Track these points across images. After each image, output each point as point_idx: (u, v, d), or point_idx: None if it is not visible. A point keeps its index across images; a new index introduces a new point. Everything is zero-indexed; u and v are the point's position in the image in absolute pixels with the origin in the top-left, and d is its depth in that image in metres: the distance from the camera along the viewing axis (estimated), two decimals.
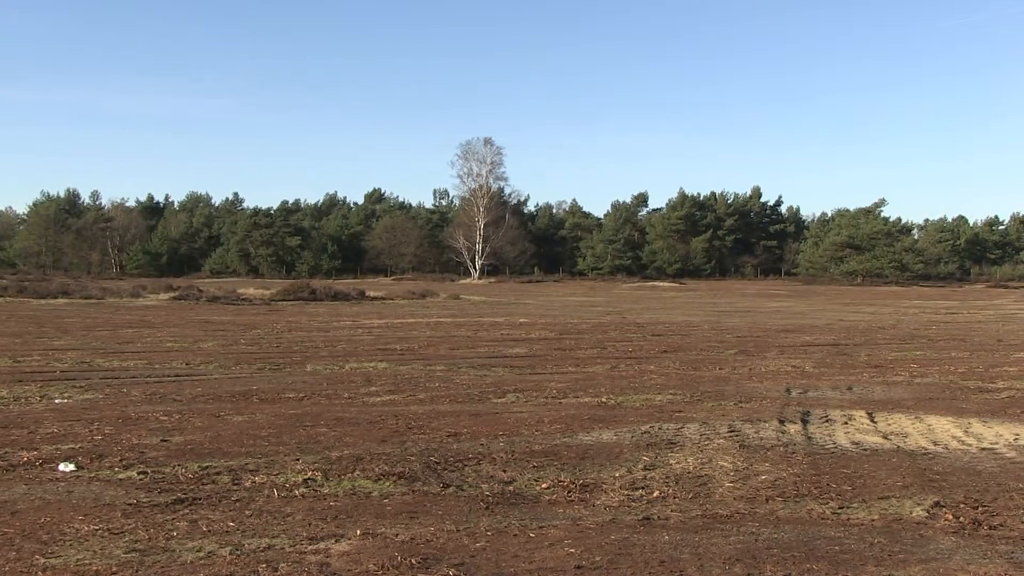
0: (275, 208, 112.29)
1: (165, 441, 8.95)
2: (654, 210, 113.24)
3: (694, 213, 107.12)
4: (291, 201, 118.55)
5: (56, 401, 11.70)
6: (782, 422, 10.30)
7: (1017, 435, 9.73)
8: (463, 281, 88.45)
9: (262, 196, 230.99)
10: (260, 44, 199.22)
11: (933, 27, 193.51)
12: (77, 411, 10.82)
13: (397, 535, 5.81)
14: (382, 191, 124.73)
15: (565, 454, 8.47)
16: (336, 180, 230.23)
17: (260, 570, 5.10)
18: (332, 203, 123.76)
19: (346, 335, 23.25)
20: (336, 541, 5.68)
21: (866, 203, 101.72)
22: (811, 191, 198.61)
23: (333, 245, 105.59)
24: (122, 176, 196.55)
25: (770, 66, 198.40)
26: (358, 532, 5.86)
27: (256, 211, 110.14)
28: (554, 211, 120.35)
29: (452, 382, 13.98)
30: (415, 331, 24.87)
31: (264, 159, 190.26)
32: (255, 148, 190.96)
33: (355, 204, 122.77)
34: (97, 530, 5.86)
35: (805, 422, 10.39)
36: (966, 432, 9.88)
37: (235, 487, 7.08)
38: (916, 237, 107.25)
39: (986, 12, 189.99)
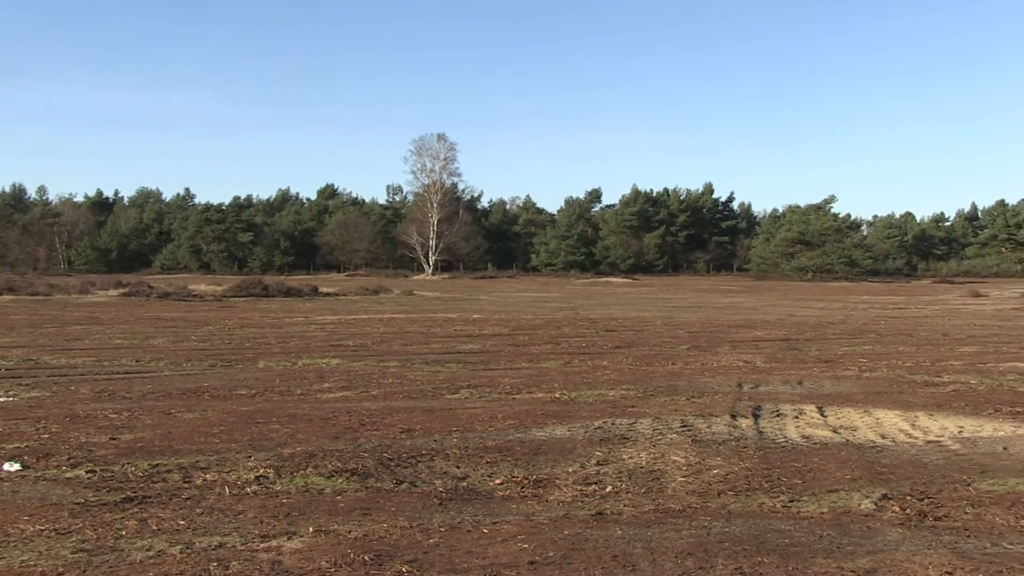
0: (227, 204, 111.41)
1: (114, 439, 8.83)
2: (607, 206, 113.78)
3: (647, 209, 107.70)
4: (243, 197, 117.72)
5: (0, 399, 11.51)
6: (734, 417, 10.37)
7: (961, 428, 9.88)
8: (417, 277, 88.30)
9: (214, 192, 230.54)
10: (213, 40, 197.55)
11: (883, 27, 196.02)
12: (23, 409, 10.66)
13: (350, 532, 5.78)
14: (335, 187, 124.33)
15: (518, 450, 8.47)
16: (289, 176, 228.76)
17: (211, 568, 5.05)
18: (285, 199, 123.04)
19: (299, 331, 23.11)
20: (288, 539, 5.64)
21: (816, 200, 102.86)
22: (762, 188, 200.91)
23: (286, 241, 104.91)
24: (70, 171, 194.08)
25: (722, 65, 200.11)
26: (311, 529, 5.82)
27: (208, 207, 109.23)
28: (508, 207, 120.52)
29: (405, 378, 13.93)
30: (368, 327, 24.76)
31: (216, 154, 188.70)
32: (207, 143, 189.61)
33: (308, 200, 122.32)
34: (43, 530, 5.77)
35: (756, 417, 10.47)
36: (913, 425, 10.01)
37: (186, 485, 7.00)
38: (865, 233, 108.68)
39: (937, 13, 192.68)
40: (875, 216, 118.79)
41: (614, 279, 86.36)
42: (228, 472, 7.37)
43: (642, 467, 7.78)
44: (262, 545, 5.50)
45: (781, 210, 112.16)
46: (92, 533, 5.72)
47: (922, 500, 6.74)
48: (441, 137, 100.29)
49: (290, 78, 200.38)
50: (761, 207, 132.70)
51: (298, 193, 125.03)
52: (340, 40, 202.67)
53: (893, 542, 5.69)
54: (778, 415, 10.62)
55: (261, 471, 7.40)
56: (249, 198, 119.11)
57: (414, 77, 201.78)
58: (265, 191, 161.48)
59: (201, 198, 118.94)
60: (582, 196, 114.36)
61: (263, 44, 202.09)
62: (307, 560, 5.22)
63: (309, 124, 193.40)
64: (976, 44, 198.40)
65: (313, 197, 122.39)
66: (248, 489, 6.87)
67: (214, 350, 17.97)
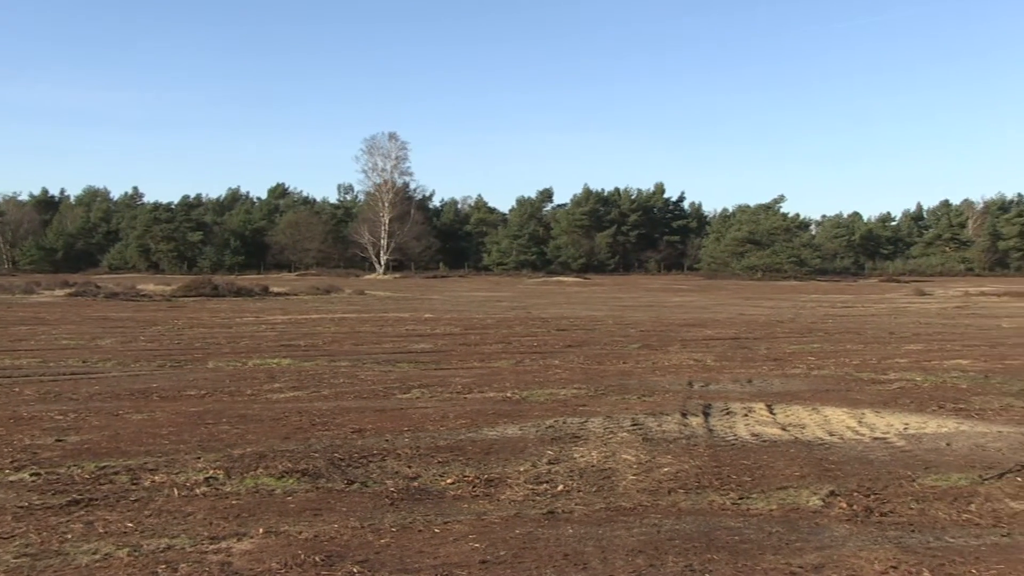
0: (176, 203, 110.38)
1: (60, 441, 8.72)
2: (559, 206, 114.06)
3: (598, 209, 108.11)
4: (193, 196, 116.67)
5: None
6: (684, 415, 10.44)
7: (907, 424, 10.03)
8: (368, 276, 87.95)
9: (163, 190, 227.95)
10: (161, 37, 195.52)
11: (830, 29, 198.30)
12: None
13: (300, 533, 5.76)
14: (286, 186, 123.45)
15: (470, 449, 8.47)
16: (239, 175, 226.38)
17: (159, 571, 5.01)
18: (235, 198, 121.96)
19: (249, 331, 22.93)
20: (238, 540, 5.60)
21: (766, 199, 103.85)
22: (713, 188, 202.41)
23: (236, 240, 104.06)
24: (14, 169, 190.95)
25: (671, 66, 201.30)
26: (261, 530, 5.79)
27: (156, 206, 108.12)
28: (459, 206, 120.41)
29: (357, 378, 13.88)
30: (319, 327, 24.62)
31: (165, 153, 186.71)
32: (155, 142, 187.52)
33: (258, 199, 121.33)
34: None
35: (707, 415, 10.54)
36: (860, 422, 10.14)
37: (134, 487, 6.93)
38: (814, 233, 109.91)
39: (884, 15, 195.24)
40: (823, 216, 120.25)
41: (566, 278, 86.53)
42: (177, 473, 7.31)
43: (593, 466, 7.82)
44: (211, 547, 5.46)
45: (731, 210, 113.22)
46: (36, 537, 5.64)
47: (868, 496, 6.84)
48: (392, 136, 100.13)
49: (240, 76, 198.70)
50: (711, 207, 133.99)
51: (248, 192, 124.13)
52: (290, 38, 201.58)
53: (840, 538, 5.77)
54: (728, 413, 10.71)
55: (211, 472, 7.34)
56: (199, 197, 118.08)
57: (365, 76, 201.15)
58: (215, 190, 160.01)
59: (150, 197, 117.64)
60: (534, 195, 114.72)
61: (211, 42, 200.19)
62: (257, 561, 5.19)
63: (259, 123, 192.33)
64: (920, 48, 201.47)
65: (264, 196, 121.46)
66: (197, 490, 6.81)
67: (163, 350, 17.78)
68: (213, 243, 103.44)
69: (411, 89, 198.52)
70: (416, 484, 7.16)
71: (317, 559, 5.22)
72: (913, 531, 5.97)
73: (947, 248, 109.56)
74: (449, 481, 7.25)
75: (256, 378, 13.78)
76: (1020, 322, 29.20)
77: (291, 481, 7.13)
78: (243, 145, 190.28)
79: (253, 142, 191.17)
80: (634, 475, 7.48)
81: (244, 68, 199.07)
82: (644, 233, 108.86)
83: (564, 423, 9.84)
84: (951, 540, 5.77)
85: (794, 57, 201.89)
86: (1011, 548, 5.62)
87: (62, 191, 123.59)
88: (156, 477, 7.19)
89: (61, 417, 10.06)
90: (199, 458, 7.87)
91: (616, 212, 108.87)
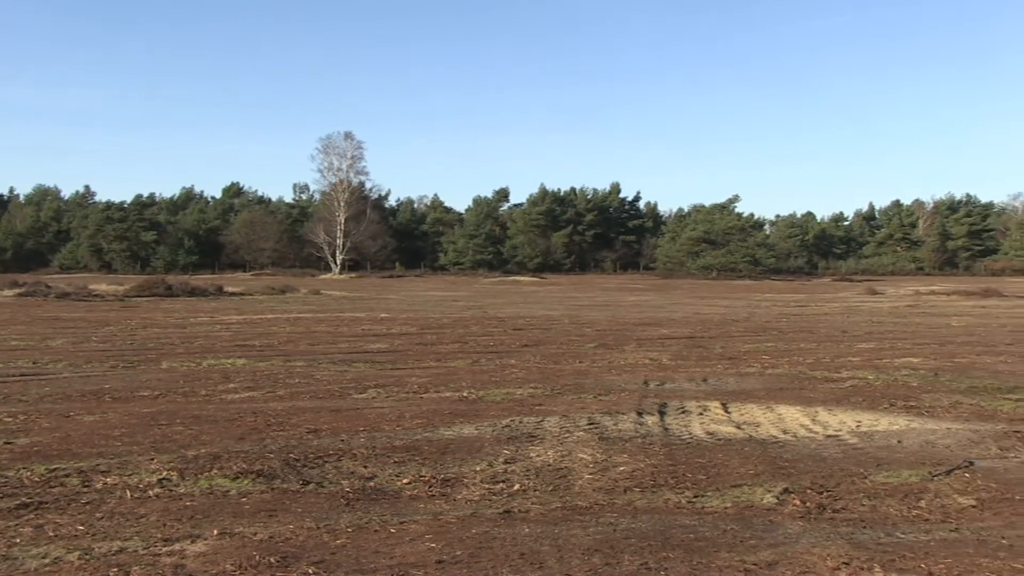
0: (129, 202, 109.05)
1: (9, 443, 8.59)
2: (515, 205, 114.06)
3: (554, 208, 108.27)
4: (146, 195, 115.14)
5: None
6: (640, 414, 10.49)
7: (859, 422, 10.15)
8: (324, 276, 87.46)
9: (115, 189, 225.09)
10: (114, 34, 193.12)
11: (780, 31, 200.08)
12: None
13: (255, 534, 5.72)
14: (240, 185, 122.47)
15: (426, 449, 8.46)
16: (193, 174, 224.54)
17: (111, 574, 4.96)
18: (189, 197, 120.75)
19: (203, 331, 22.74)
20: (192, 542, 5.56)
21: (721, 199, 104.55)
22: (668, 187, 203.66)
23: (190, 240, 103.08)
24: None
25: (628, 67, 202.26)
26: (215, 532, 5.74)
27: (109, 205, 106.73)
28: (415, 206, 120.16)
29: (312, 378, 13.81)
30: (275, 327, 24.47)
31: (117, 152, 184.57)
32: (108, 140, 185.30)
33: (213, 198, 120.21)
34: None
35: (662, 413, 10.60)
36: (813, 420, 10.25)
37: (85, 489, 6.85)
38: (768, 232, 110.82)
39: (832, 19, 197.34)
40: (777, 216, 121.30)
41: (522, 278, 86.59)
42: (130, 475, 7.23)
43: (549, 465, 7.84)
44: (165, 549, 5.41)
45: (687, 210, 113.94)
46: None
47: (821, 493, 6.91)
48: (348, 135, 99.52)
49: (193, 75, 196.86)
50: (667, 207, 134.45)
51: (203, 191, 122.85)
52: (244, 37, 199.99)
53: (793, 535, 5.83)
54: (683, 412, 10.77)
55: (164, 473, 7.27)
56: (152, 196, 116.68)
57: (320, 75, 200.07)
58: (168, 189, 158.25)
59: (102, 196, 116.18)
60: (490, 195, 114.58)
61: (164, 40, 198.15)
62: (211, 563, 5.15)
63: (213, 122, 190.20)
64: (872, 51, 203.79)
65: (218, 195, 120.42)
66: (150, 492, 6.75)
67: (116, 351, 17.58)
68: (167, 243, 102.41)
69: (367, 88, 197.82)
70: (372, 484, 7.14)
71: (272, 560, 5.19)
72: (865, 527, 6.04)
73: (898, 248, 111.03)
74: (405, 481, 7.24)
75: (211, 378, 13.67)
76: (968, 321, 29.64)
77: (246, 482, 7.09)
78: (197, 144, 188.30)
79: (207, 141, 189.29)
80: (590, 474, 7.51)
81: (198, 66, 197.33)
82: (600, 233, 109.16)
83: (520, 422, 9.86)
84: (901, 536, 5.85)
85: (748, 58, 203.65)
86: (959, 543, 5.70)
87: (11, 190, 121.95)
88: (108, 479, 7.12)
89: (10, 419, 9.92)
90: (152, 459, 7.79)
91: (572, 212, 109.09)
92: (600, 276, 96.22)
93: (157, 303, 36.75)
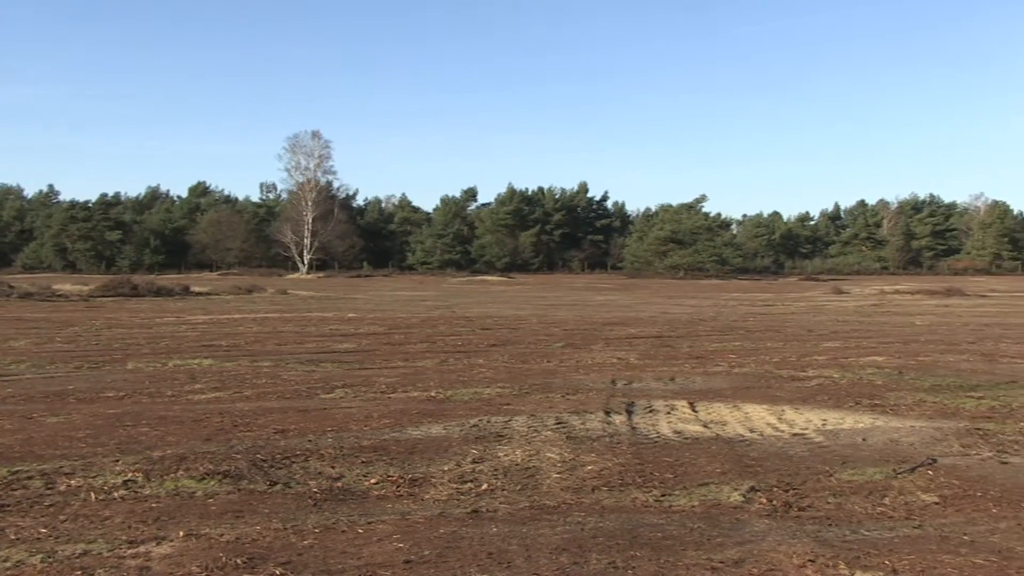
0: (94, 201, 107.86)
1: None
2: (483, 205, 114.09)
3: (522, 208, 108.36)
4: (111, 194, 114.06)
5: None
6: (608, 413, 10.51)
7: (825, 420, 10.23)
8: (291, 276, 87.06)
9: (80, 189, 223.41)
10: (78, 31, 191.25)
11: (749, 31, 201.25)
12: None
13: (222, 535, 5.69)
14: (207, 184, 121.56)
15: (394, 449, 8.45)
16: (159, 173, 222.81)
17: None
18: (155, 196, 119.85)
19: (170, 331, 22.58)
20: (158, 544, 5.51)
21: (688, 199, 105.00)
22: (636, 187, 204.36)
23: (156, 240, 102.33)
24: None
25: (596, 66, 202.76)
26: (181, 533, 5.70)
27: (73, 204, 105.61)
28: (383, 205, 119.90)
29: (279, 378, 13.75)
30: (241, 327, 24.34)
31: (82, 150, 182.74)
32: (72, 138, 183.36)
33: (179, 197, 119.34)
34: None
35: (630, 413, 10.63)
36: (779, 419, 10.32)
37: (48, 491, 6.78)
38: (735, 232, 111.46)
39: (803, 18, 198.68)
40: (744, 215, 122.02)
41: (490, 277, 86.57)
42: (94, 477, 7.16)
43: (517, 464, 7.84)
44: (130, 551, 5.37)
45: (654, 209, 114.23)
46: None
47: (787, 491, 6.96)
48: (316, 135, 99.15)
49: (160, 72, 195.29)
50: (634, 206, 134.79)
51: (168, 191, 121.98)
52: (210, 34, 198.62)
53: (760, 533, 5.86)
54: (651, 411, 10.81)
55: (129, 475, 7.21)
56: (117, 195, 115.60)
57: (287, 73, 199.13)
58: (134, 188, 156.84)
59: (66, 195, 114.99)
60: (458, 195, 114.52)
61: (132, 38, 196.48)
62: (177, 565, 5.11)
63: (179, 120, 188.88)
64: (836, 52, 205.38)
65: (184, 195, 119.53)
66: (115, 494, 6.69)
67: (80, 352, 17.43)
68: (132, 242, 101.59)
69: (334, 87, 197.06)
70: (339, 484, 7.12)
71: (239, 561, 5.16)
72: (830, 525, 6.09)
73: (863, 247, 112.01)
74: (373, 481, 7.22)
75: (177, 379, 13.58)
76: (932, 320, 29.94)
77: (212, 483, 7.05)
78: (163, 143, 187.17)
79: (174, 140, 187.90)
80: (558, 473, 7.52)
81: (163, 64, 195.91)
82: (568, 232, 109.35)
83: (488, 422, 9.86)
84: (866, 533, 5.90)
85: (715, 59, 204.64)
86: (922, 539, 5.76)
87: None
88: (72, 481, 7.05)
89: None
90: (117, 461, 7.73)
91: (540, 211, 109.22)
92: (568, 276, 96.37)
93: (122, 303, 36.47)
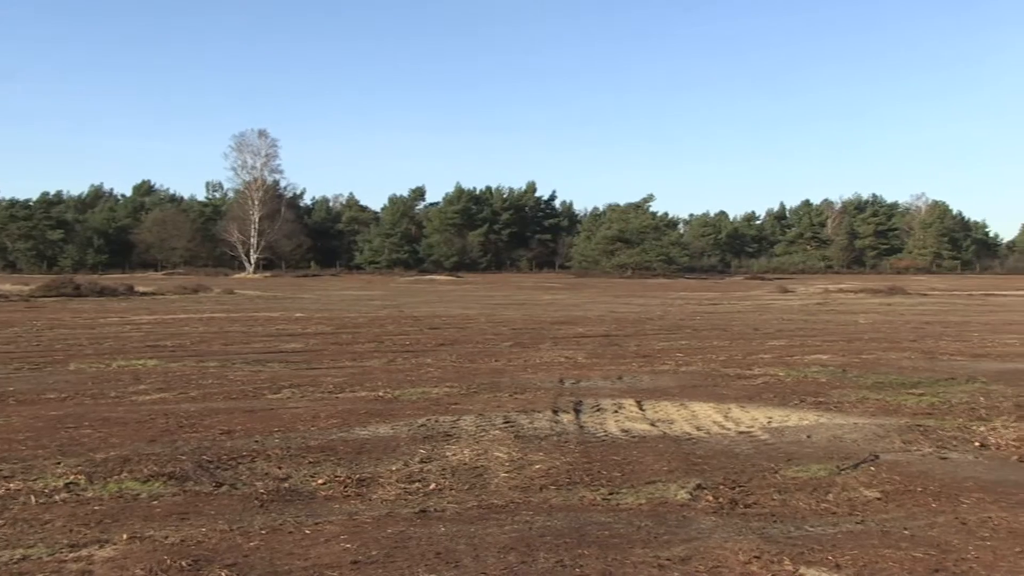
0: (34, 200, 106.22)
1: None
2: (431, 204, 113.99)
3: (470, 207, 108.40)
4: (52, 192, 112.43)
5: None
6: (556, 412, 10.54)
7: (770, 418, 10.34)
8: (238, 275, 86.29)
9: (19, 187, 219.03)
10: (16, 25, 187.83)
11: (694, 32, 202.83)
12: None
13: (167, 537, 5.63)
14: (151, 183, 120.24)
15: (341, 449, 8.41)
16: (102, 171, 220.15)
17: None
18: (98, 195, 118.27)
19: (113, 332, 22.28)
20: (100, 547, 5.44)
21: (636, 198, 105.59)
22: (583, 187, 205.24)
23: (99, 239, 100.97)
24: None
25: (542, 66, 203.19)
26: (124, 536, 5.63)
27: (13, 203, 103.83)
28: (331, 204, 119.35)
29: (226, 379, 13.63)
30: (187, 327, 24.08)
31: (22, 148, 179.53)
32: (10, 135, 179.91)
33: (123, 196, 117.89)
34: None
35: (578, 412, 10.67)
36: (726, 417, 10.41)
37: None
38: (682, 231, 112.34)
39: (747, 22, 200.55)
40: (691, 215, 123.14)
41: (438, 277, 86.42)
42: (35, 480, 7.05)
43: (465, 464, 7.84)
44: (71, 555, 5.29)
45: (602, 209, 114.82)
46: None
47: (734, 489, 7.03)
48: (262, 133, 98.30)
49: (101, 68, 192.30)
50: (582, 206, 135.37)
51: (112, 189, 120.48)
52: (154, 31, 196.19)
53: (706, 530, 5.91)
54: (598, 410, 10.85)
55: (71, 478, 7.11)
56: (59, 194, 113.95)
57: (232, 71, 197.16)
58: (76, 187, 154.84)
59: (5, 193, 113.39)
60: (406, 194, 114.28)
61: (73, 33, 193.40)
62: (120, 569, 5.05)
63: (122, 117, 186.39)
64: (779, 54, 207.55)
65: (128, 194, 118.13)
66: (56, 497, 6.59)
67: (20, 353, 17.14)
68: (75, 242, 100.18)
69: (281, 86, 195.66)
70: (287, 485, 7.08)
71: (184, 564, 5.11)
72: (775, 521, 6.16)
73: (808, 246, 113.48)
74: (320, 481, 7.19)
75: (121, 380, 13.41)
76: (875, 318, 30.37)
77: (157, 485, 6.97)
78: (106, 141, 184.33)
79: (116, 138, 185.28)
80: (506, 472, 7.53)
81: (106, 60, 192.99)
82: (516, 232, 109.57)
83: (436, 422, 9.84)
84: (810, 529, 5.97)
85: (663, 59, 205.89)
86: (864, 534, 5.85)
87: None
88: (11, 484, 6.93)
89: None
90: (59, 463, 7.61)
91: (488, 211, 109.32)
92: (516, 275, 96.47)
93: (65, 303, 35.91)
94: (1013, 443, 8.97)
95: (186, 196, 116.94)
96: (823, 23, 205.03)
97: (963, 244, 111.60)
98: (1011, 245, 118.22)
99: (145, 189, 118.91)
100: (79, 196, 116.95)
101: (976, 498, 6.83)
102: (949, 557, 5.40)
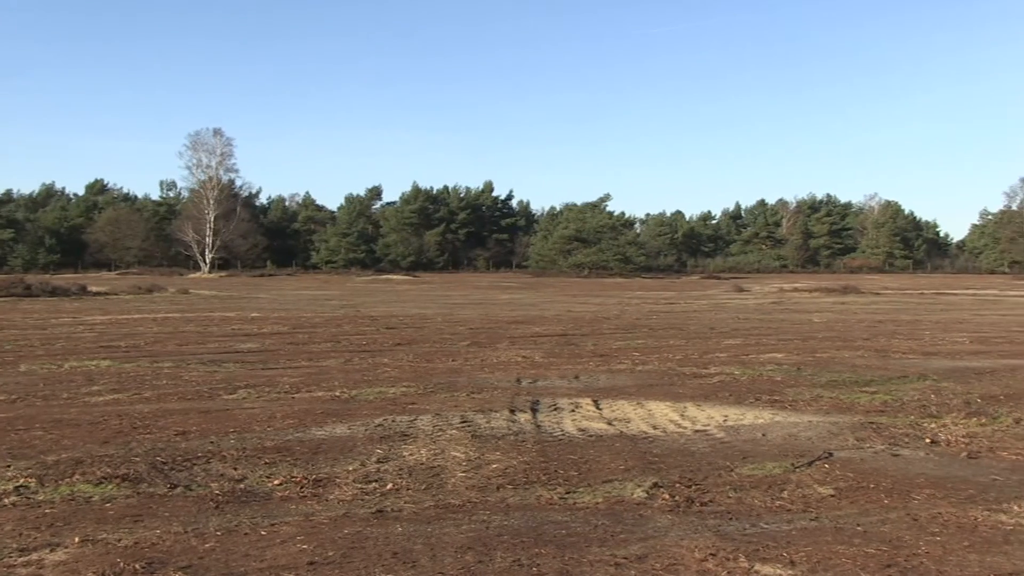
0: None
1: None
2: (388, 203, 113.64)
3: (428, 207, 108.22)
4: (2, 191, 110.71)
5: None
6: (513, 411, 10.55)
7: (726, 416, 10.41)
8: (193, 275, 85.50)
9: None
10: None
11: (650, 33, 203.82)
12: None
13: (120, 540, 5.57)
14: (105, 182, 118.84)
15: (298, 449, 8.36)
16: (54, 170, 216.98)
17: None
18: (49, 194, 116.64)
19: (66, 332, 22.00)
20: (51, 551, 5.37)
21: (592, 198, 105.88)
22: (541, 186, 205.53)
23: (51, 238, 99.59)
24: None
25: (500, 66, 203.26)
26: (76, 539, 5.57)
27: None
28: (287, 204, 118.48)
29: (181, 379, 13.50)
30: (141, 327, 23.83)
31: None
32: None
33: (75, 195, 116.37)
34: None
35: (535, 411, 10.69)
36: (682, 416, 10.47)
37: None
38: (638, 231, 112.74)
39: (702, 21, 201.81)
40: (648, 214, 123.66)
41: (395, 276, 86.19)
42: None
43: (422, 463, 7.83)
44: (21, 559, 5.22)
45: (559, 208, 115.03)
46: None
47: (690, 487, 7.07)
48: (217, 132, 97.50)
49: (52, 66, 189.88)
50: (539, 205, 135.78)
51: (64, 188, 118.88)
52: (106, 28, 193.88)
53: (663, 528, 5.94)
54: (555, 409, 10.88)
55: (21, 480, 7.01)
56: (9, 193, 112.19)
57: (187, 67, 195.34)
58: (27, 186, 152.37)
59: None
60: (362, 193, 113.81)
61: (26, 29, 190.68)
62: (71, 572, 4.99)
63: (74, 116, 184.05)
64: (735, 55, 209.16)
65: (81, 192, 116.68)
66: (6, 500, 6.50)
67: None
68: (26, 241, 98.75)
69: (236, 84, 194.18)
70: (242, 486, 7.03)
71: (137, 567, 5.06)
72: (731, 519, 6.20)
73: (763, 246, 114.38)
74: (276, 482, 7.14)
75: (73, 381, 13.25)
76: (829, 317, 30.68)
77: (110, 487, 6.89)
78: (58, 139, 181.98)
79: (69, 135, 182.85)
80: (463, 472, 7.53)
81: (58, 58, 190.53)
82: (473, 231, 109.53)
83: (393, 421, 9.82)
84: (765, 526, 6.02)
85: (619, 59, 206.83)
86: (818, 531, 5.91)
87: None
88: None
89: None
90: (9, 466, 7.51)
91: (445, 210, 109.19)
92: (473, 274, 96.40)
93: (15, 303, 35.40)
94: (963, 439, 9.11)
95: (140, 195, 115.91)
96: (778, 25, 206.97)
97: (915, 244, 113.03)
98: (961, 245, 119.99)
99: (98, 188, 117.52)
100: (30, 195, 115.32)
101: (927, 494, 6.93)
102: (901, 552, 5.47)
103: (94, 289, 45.58)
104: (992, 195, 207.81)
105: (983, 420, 10.17)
